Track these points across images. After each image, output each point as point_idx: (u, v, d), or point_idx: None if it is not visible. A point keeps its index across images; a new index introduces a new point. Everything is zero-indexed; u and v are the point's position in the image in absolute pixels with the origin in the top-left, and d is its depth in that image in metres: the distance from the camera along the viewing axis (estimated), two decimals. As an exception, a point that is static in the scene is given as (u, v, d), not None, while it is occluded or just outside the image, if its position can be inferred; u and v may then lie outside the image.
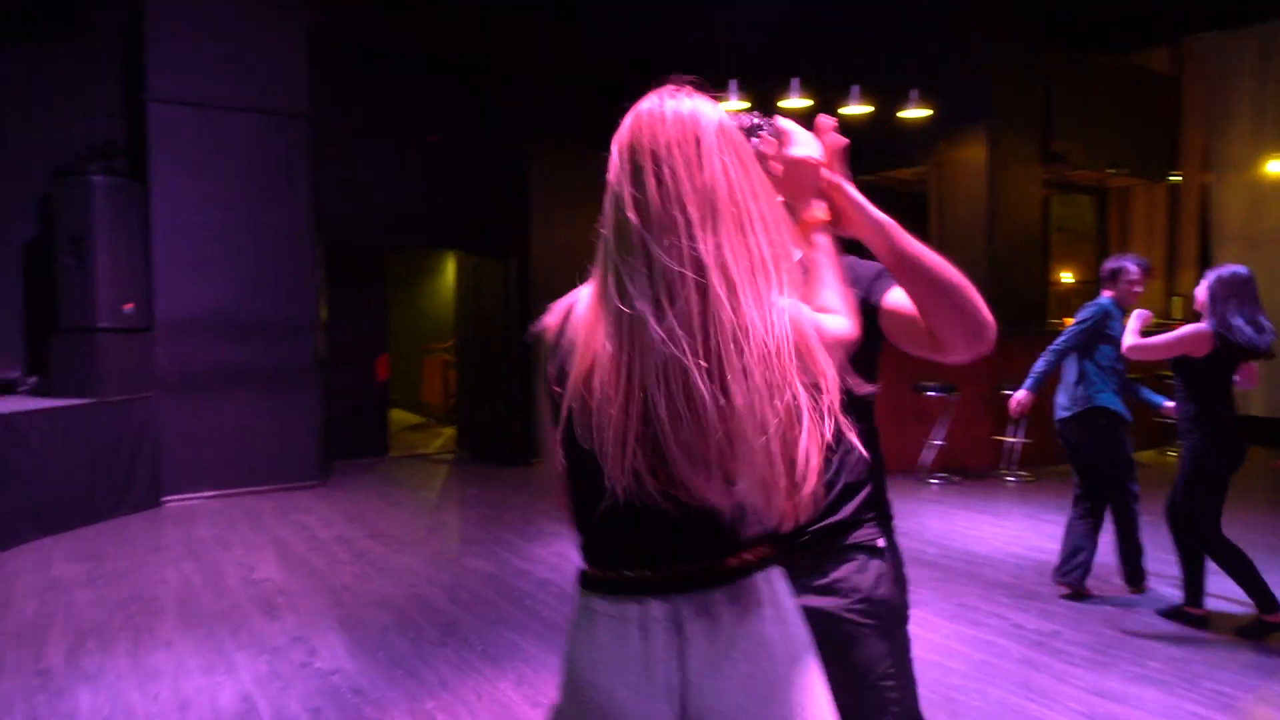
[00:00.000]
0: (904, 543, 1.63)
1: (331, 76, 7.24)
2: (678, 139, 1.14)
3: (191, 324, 6.43)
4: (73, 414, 5.72)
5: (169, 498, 6.38)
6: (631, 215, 1.13)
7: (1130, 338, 3.85)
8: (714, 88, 1.23)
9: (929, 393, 6.69)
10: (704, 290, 1.10)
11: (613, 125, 1.20)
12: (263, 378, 6.68)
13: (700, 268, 1.10)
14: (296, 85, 6.78)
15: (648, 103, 1.19)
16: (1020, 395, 4.40)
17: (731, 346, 1.09)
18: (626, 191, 1.14)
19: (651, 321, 1.10)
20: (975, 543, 5.21)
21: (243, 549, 5.19)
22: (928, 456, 6.85)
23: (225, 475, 6.57)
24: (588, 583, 1.23)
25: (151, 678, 3.39)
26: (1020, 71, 7.93)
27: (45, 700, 3.20)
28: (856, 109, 7.25)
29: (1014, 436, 6.85)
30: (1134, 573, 4.27)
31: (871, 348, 1.41)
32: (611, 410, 1.11)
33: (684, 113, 1.16)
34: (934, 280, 1.25)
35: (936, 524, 5.62)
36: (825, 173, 1.33)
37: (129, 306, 6.06)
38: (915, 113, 7.35)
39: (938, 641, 3.66)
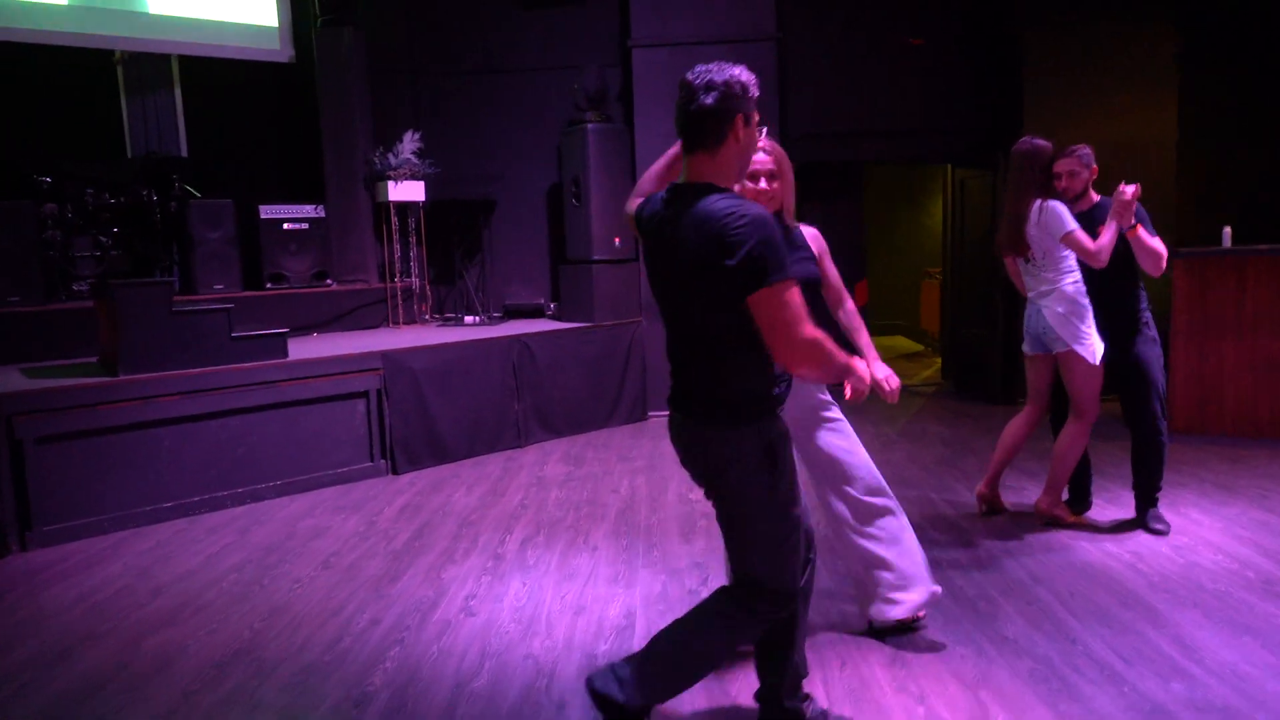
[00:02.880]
0: None
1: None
2: None
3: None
4: (573, 336, 6.60)
5: (654, 413, 7.05)
6: None
7: None
8: None
9: None
10: None
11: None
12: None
13: None
14: (762, 9, 6.71)
15: None
16: None
17: None
18: None
19: None
20: None
21: (692, 467, 5.49)
22: None
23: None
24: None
25: (568, 578, 3.76)
26: None
27: (488, 582, 3.75)
28: None
29: None
30: None
31: None
32: None
33: None
34: None
35: None
36: None
37: (618, 240, 6.74)
38: None
39: None
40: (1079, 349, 3.79)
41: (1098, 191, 4.06)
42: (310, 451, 5.26)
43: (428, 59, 7.33)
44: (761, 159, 2.70)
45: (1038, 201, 3.82)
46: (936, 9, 7.24)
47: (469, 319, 7.16)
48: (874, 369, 2.75)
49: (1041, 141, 3.90)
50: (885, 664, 2.88)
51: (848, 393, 2.30)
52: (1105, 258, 3.71)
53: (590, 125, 6.62)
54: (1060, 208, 3.78)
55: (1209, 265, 5.67)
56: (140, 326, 4.75)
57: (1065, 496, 4.23)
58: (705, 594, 3.47)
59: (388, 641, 3.20)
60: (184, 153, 7.11)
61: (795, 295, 1.94)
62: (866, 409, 6.94)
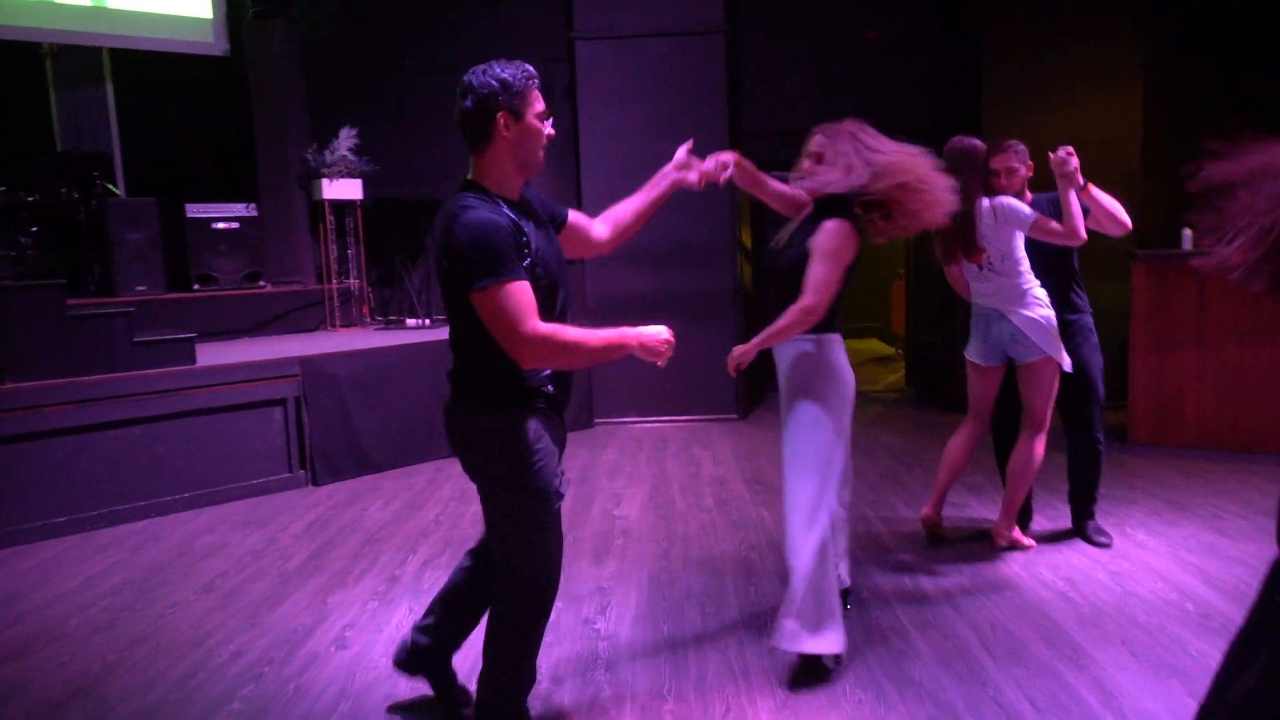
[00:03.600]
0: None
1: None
2: None
3: (615, 255, 6.63)
4: (514, 340, 6.33)
5: (600, 420, 6.79)
6: None
7: None
8: None
9: None
10: None
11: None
12: (684, 306, 6.65)
13: None
14: (710, 0, 6.44)
15: None
16: None
17: None
18: None
19: None
20: None
21: (626, 479, 5.24)
22: None
23: (648, 402, 6.75)
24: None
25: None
26: None
27: (373, 609, 3.48)
28: None
29: None
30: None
31: None
32: None
33: None
34: None
35: None
36: None
37: (560, 240, 6.47)
38: None
39: None
40: (1060, 358, 3.55)
41: (1032, 190, 3.81)
42: (221, 462, 4.99)
43: (367, 54, 7.06)
44: (817, 140, 2.81)
45: (985, 201, 3.57)
46: (895, 2, 6.98)
47: (411, 321, 6.89)
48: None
49: (975, 140, 3.65)
50: (773, 711, 2.61)
51: (658, 361, 2.21)
52: (1082, 230, 3.46)
53: (530, 121, 6.35)
54: (1013, 201, 3.56)
55: (1169, 268, 5.41)
56: (29, 331, 4.48)
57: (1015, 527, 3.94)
58: (600, 626, 3.25)
59: (245, 677, 2.94)
60: (117, 149, 6.85)
61: (513, 296, 2.00)
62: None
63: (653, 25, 6.44)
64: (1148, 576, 3.49)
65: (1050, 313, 3.59)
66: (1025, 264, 3.61)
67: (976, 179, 3.58)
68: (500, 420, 2.15)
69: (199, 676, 2.96)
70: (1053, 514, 4.26)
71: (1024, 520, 4.01)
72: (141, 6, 6.62)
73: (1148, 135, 6.51)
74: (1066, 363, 3.59)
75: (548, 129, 2.19)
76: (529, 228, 2.13)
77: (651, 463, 5.63)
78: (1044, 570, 3.60)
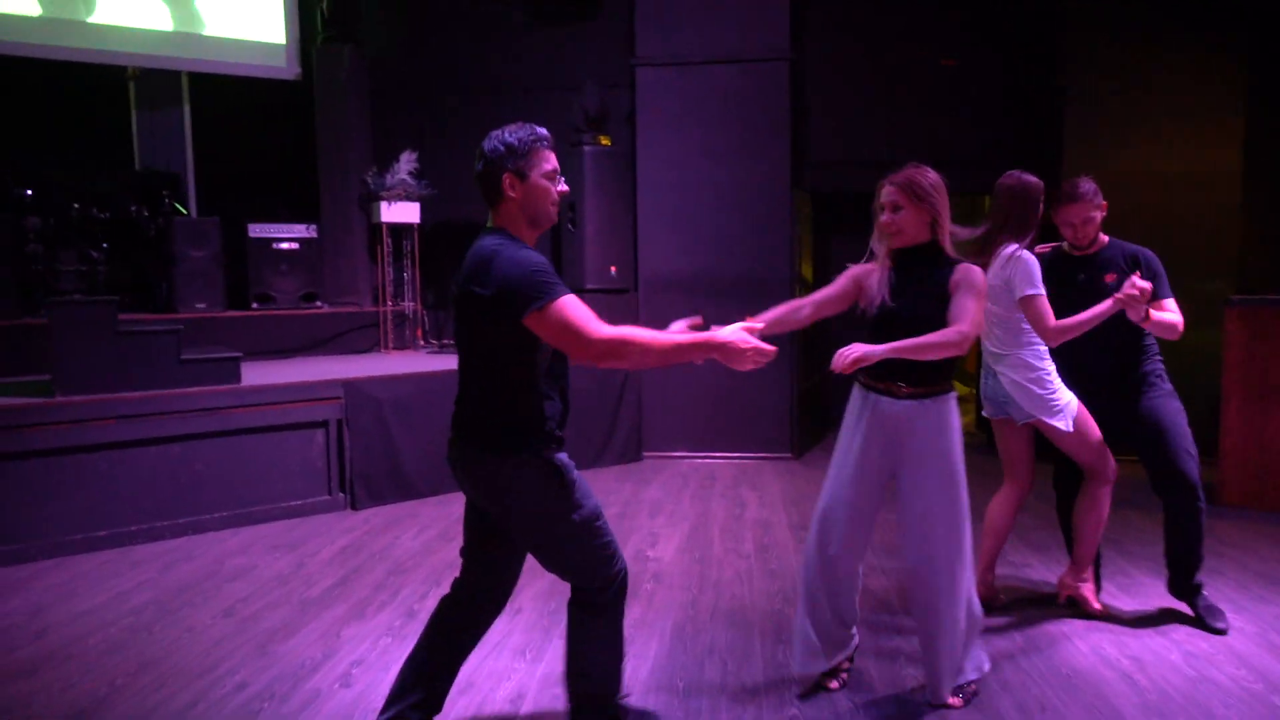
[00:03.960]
0: None
1: (813, 10, 6.57)
2: None
3: (670, 284, 6.50)
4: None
5: (649, 453, 6.61)
6: None
7: None
8: None
9: None
10: None
11: None
12: (738, 340, 6.45)
13: None
14: (776, 26, 6.28)
15: None
16: None
17: None
18: None
19: None
20: None
21: (666, 518, 5.04)
22: None
23: (700, 436, 6.55)
24: None
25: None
26: None
27: (385, 645, 3.37)
28: None
29: None
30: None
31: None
32: None
33: None
34: None
35: None
36: None
37: (614, 269, 6.36)
38: None
39: None
40: (1053, 421, 3.23)
41: (1107, 232, 3.48)
42: (260, 483, 4.99)
43: (430, 78, 7.12)
44: (887, 191, 2.74)
45: (1011, 247, 3.27)
46: (972, 28, 6.70)
47: (465, 346, 6.86)
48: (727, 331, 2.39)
49: (1031, 178, 3.36)
50: (784, 792, 2.38)
51: (745, 366, 2.30)
52: (1058, 340, 3.14)
53: (587, 148, 6.28)
54: (1032, 263, 3.17)
55: (1268, 314, 4.97)
56: (79, 346, 4.56)
57: (1088, 581, 3.58)
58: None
59: (243, 713, 2.84)
60: (190, 169, 7.04)
61: (572, 306, 2.14)
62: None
63: (716, 52, 6.31)
64: (1229, 661, 3.12)
65: (1041, 373, 3.23)
66: (1026, 324, 3.24)
67: (1013, 221, 3.26)
68: (528, 458, 2.25)
69: (198, 708, 2.88)
70: (1124, 581, 3.89)
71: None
72: (219, 32, 6.81)
73: (1249, 171, 6.05)
74: (1066, 424, 3.21)
75: (558, 187, 2.33)
76: None
77: (695, 501, 5.41)
78: (1108, 645, 3.26)
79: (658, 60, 6.37)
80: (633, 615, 3.62)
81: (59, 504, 4.43)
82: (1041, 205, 3.34)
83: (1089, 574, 3.54)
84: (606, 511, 5.11)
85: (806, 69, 6.62)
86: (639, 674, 3.11)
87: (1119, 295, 3.02)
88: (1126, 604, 3.66)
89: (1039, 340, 3.24)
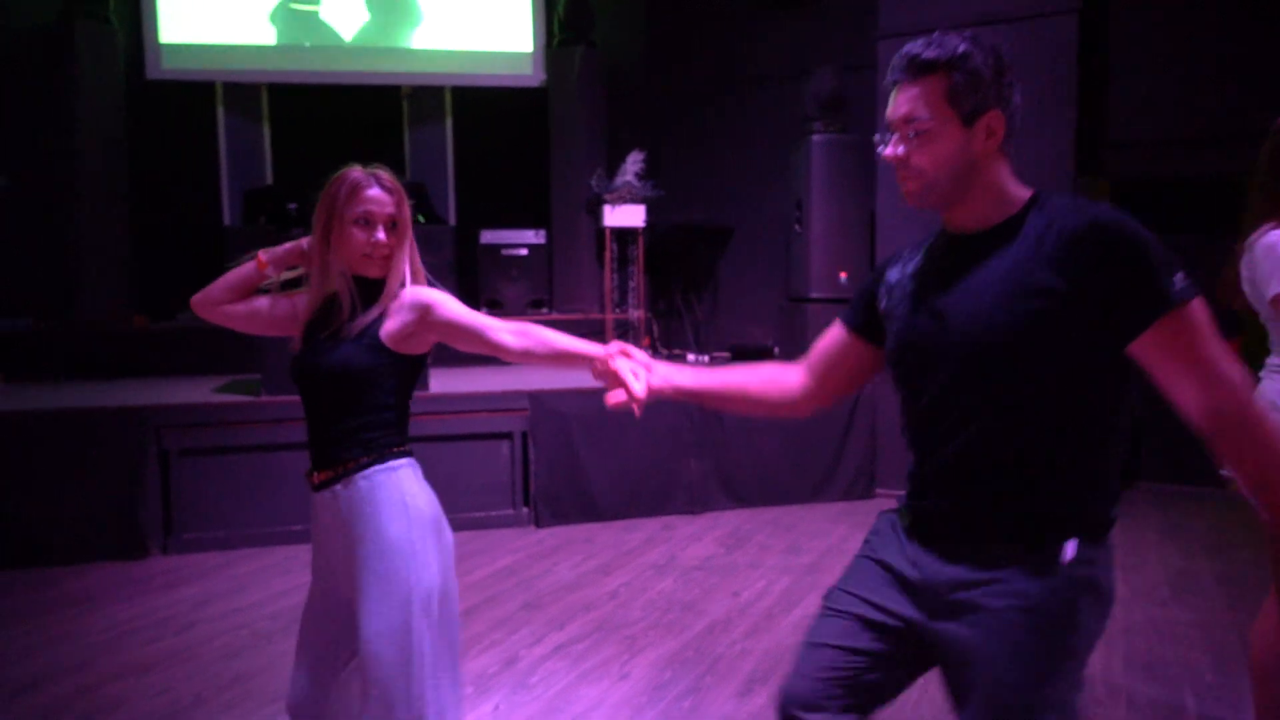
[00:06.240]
0: None
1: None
2: None
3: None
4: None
5: (884, 491, 5.65)
6: None
7: None
8: None
9: None
10: None
11: None
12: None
13: None
14: (1057, -29, 5.02)
15: None
16: None
17: None
18: None
19: None
20: None
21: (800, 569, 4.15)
22: None
23: (944, 476, 5.46)
24: None
25: (551, 714, 2.87)
26: None
27: (469, 694, 3.01)
28: None
29: None
30: None
31: None
32: None
33: None
34: None
35: None
36: None
37: (844, 275, 5.51)
38: None
39: None
40: None
41: None
42: (444, 492, 4.87)
43: (663, 75, 6.75)
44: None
45: (1265, 228, 2.10)
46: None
47: (691, 357, 6.41)
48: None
49: None
50: None
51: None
52: None
53: (815, 137, 5.50)
54: None
55: None
56: (283, 349, 4.78)
57: None
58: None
59: (278, 756, 2.63)
60: (450, 180, 7.37)
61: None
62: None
63: (976, 11, 5.21)
64: None
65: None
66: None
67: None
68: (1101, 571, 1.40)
69: (245, 740, 2.72)
70: None
71: None
72: (476, 46, 7.03)
73: None
74: None
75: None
76: None
77: (845, 552, 4.44)
78: None
79: (904, 30, 5.39)
80: (758, 704, 2.90)
81: (257, 497, 4.68)
82: None
83: None
84: (798, 558, 4.41)
85: (1106, 20, 5.24)
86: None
87: None
88: None
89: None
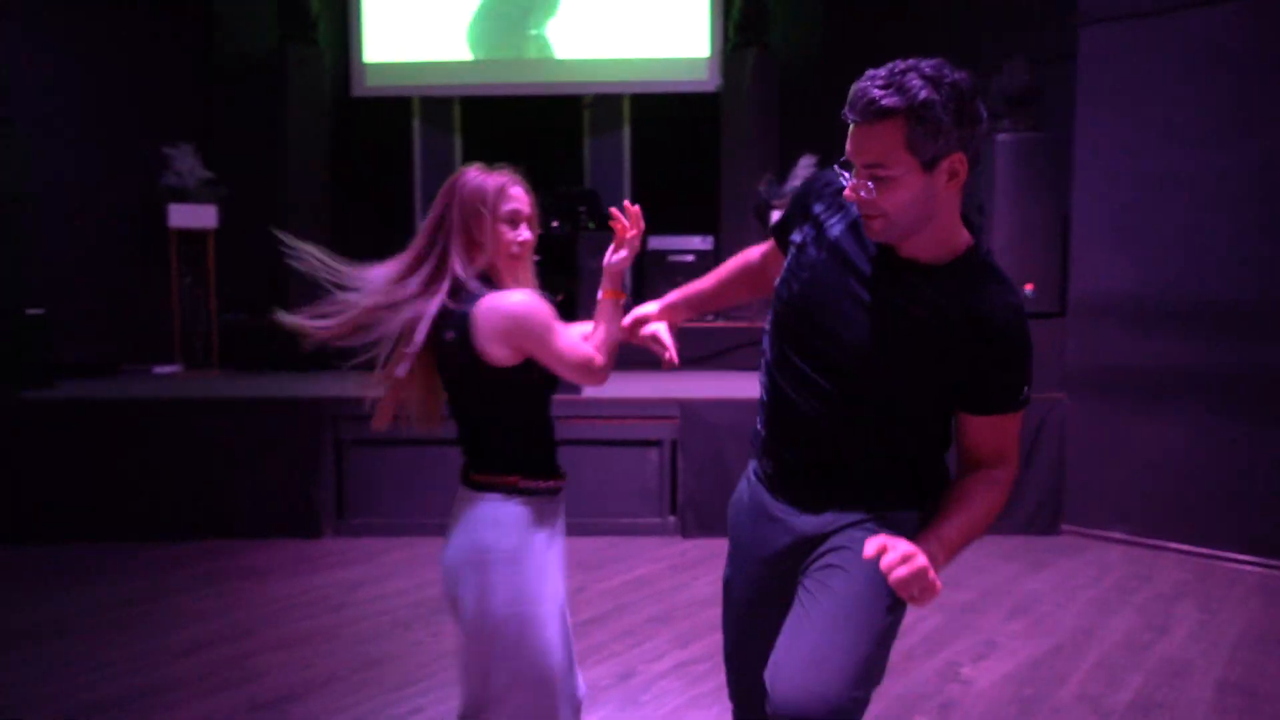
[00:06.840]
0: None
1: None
2: None
3: (1115, 308, 4.88)
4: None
5: (1071, 527, 5.08)
6: None
7: None
8: None
9: None
10: None
11: None
12: (1212, 388, 4.59)
13: None
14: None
15: None
16: None
17: None
18: None
19: None
20: None
21: (1031, 623, 3.72)
22: None
23: (1143, 516, 4.82)
24: None
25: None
26: None
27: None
28: None
29: None
30: None
31: None
32: None
33: None
34: None
35: None
36: None
37: (1029, 287, 5.00)
38: None
39: None
40: None
41: None
42: (592, 496, 4.93)
43: (834, 75, 6.41)
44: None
45: None
46: None
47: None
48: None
49: None
50: None
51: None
52: None
53: (1000, 136, 5.03)
54: None
55: None
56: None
57: None
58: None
59: (385, 744, 2.71)
60: (627, 186, 7.46)
61: None
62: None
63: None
64: None
65: None
66: None
67: None
68: None
69: (360, 726, 2.82)
70: None
71: None
72: (655, 53, 7.07)
73: None
74: None
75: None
76: None
77: (1092, 607, 3.93)
78: None
79: (1109, 14, 4.82)
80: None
81: (421, 488, 4.90)
82: None
83: None
84: (956, 594, 4.03)
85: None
86: None
87: None
88: None
89: None
